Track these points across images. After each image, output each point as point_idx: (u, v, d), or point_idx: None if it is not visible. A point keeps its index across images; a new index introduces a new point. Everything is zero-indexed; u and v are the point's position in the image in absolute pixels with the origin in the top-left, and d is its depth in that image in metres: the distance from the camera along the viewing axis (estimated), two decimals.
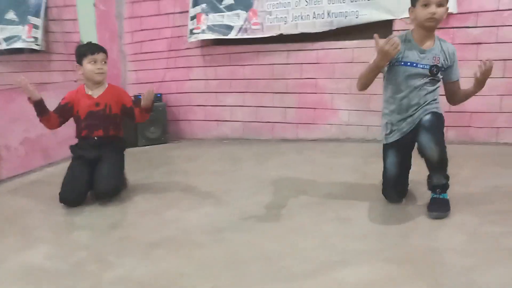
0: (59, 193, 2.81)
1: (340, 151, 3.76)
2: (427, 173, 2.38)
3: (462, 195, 2.56)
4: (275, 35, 4.03)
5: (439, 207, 2.33)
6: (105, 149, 2.93)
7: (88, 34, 4.31)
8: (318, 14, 3.87)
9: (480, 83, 2.33)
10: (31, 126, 3.78)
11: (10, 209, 2.92)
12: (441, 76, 2.41)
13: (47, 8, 4.60)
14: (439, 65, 2.36)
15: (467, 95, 2.47)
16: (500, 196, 2.56)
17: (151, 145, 4.44)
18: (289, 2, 3.93)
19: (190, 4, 4.25)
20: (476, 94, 2.46)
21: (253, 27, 4.07)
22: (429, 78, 2.38)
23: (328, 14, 3.85)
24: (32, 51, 4.66)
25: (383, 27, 3.81)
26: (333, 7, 3.83)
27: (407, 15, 3.58)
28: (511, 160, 3.25)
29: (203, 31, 4.19)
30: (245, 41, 4.20)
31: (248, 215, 2.53)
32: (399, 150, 2.49)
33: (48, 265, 2.13)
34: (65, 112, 2.93)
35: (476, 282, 1.70)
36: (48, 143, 3.93)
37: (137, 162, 3.83)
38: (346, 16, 3.81)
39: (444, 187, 2.38)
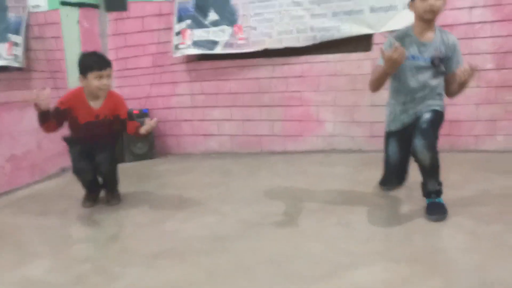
0: (73, 171, 2.97)
1: (329, 162, 3.84)
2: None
3: (455, 198, 2.67)
4: (260, 49, 4.11)
5: (437, 210, 2.42)
6: (100, 141, 2.99)
7: (72, 51, 4.29)
8: (301, 29, 3.99)
9: (463, 84, 2.39)
10: (16, 143, 3.74)
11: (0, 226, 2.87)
12: (443, 69, 2.46)
13: (28, 25, 4.57)
14: (441, 56, 2.43)
15: (460, 88, 2.47)
16: (492, 198, 2.68)
17: (138, 160, 4.42)
18: (273, 18, 4.03)
19: (175, 20, 4.30)
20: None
21: (239, 42, 4.14)
22: (432, 71, 2.45)
23: (311, 29, 3.96)
24: (13, 69, 4.62)
25: (364, 41, 3.98)
26: (316, 22, 3.95)
27: (386, 28, 3.79)
28: (494, 165, 3.38)
29: (188, 46, 4.24)
30: (230, 55, 4.26)
31: (249, 223, 2.56)
32: (400, 139, 2.61)
33: (50, 278, 2.11)
34: (64, 117, 2.91)
35: (487, 278, 1.79)
36: (35, 160, 3.88)
37: (127, 177, 3.80)
38: (328, 31, 3.94)
39: (438, 193, 2.48)
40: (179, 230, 2.56)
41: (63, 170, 4.15)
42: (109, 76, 2.87)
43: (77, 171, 2.99)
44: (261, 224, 2.55)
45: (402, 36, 2.48)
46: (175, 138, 4.64)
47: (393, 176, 2.69)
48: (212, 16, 4.16)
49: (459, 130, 3.86)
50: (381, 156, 3.72)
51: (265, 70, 4.25)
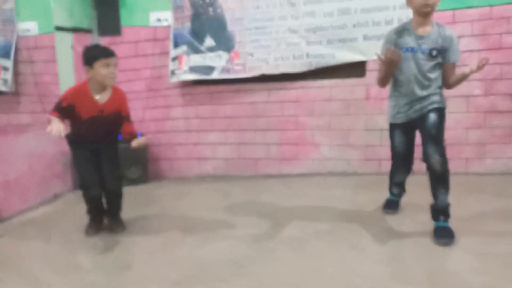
0: (81, 184, 3.01)
1: (326, 184, 3.91)
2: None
3: (456, 220, 2.76)
4: (257, 75, 4.19)
5: (445, 234, 2.51)
6: (102, 142, 2.98)
7: (66, 75, 4.28)
8: (297, 55, 4.10)
9: (466, 76, 2.60)
10: (10, 169, 3.66)
11: (2, 255, 2.79)
12: (440, 60, 2.58)
13: (17, 49, 4.52)
14: (438, 47, 2.55)
15: (458, 81, 2.67)
16: (491, 220, 2.80)
17: (132, 185, 4.37)
18: (270, 45, 4.13)
19: (171, 46, 4.34)
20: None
21: (236, 67, 4.21)
22: (430, 62, 2.57)
23: (307, 55, 4.08)
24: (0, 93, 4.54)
25: (358, 67, 4.11)
26: (312, 49, 4.07)
27: None
28: (485, 188, 3.53)
29: (185, 72, 4.29)
30: (226, 80, 4.32)
31: (262, 248, 2.59)
32: (404, 131, 2.76)
33: None
34: (67, 113, 2.82)
35: None
36: (28, 185, 3.79)
37: (124, 202, 3.75)
38: (323, 58, 4.06)
39: (446, 215, 2.57)
40: (194, 256, 2.56)
41: (56, 196, 4.08)
42: (115, 65, 2.84)
43: (85, 184, 2.97)
44: (275, 248, 2.58)
45: (401, 30, 2.63)
46: (169, 162, 4.63)
47: (400, 165, 2.87)
48: (209, 42, 4.23)
49: (450, 153, 3.89)
50: (376, 179, 3.88)
51: (261, 95, 4.33)
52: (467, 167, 3.99)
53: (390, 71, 2.60)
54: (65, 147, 4.15)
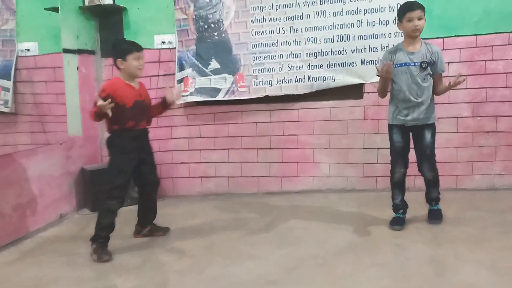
0: (113, 193, 3.10)
1: (330, 202, 4.11)
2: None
3: (461, 235, 3.05)
4: (261, 96, 4.37)
5: (436, 216, 3.33)
6: (144, 141, 3.30)
7: (72, 95, 4.33)
8: (300, 78, 4.31)
9: (448, 88, 3.18)
10: (22, 191, 3.68)
11: (27, 282, 2.79)
12: (431, 72, 3.15)
13: (16, 70, 4.52)
14: (428, 60, 3.13)
15: (443, 91, 3.26)
16: (493, 234, 3.06)
17: (136, 204, 4.41)
18: (273, 68, 4.33)
19: (176, 69, 4.47)
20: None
21: (240, 89, 4.39)
22: (421, 73, 3.14)
23: (309, 78, 4.30)
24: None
25: (356, 89, 4.37)
26: (313, 72, 4.29)
27: (375, 79, 4.18)
28: (477, 203, 3.80)
29: (191, 94, 4.42)
30: (229, 101, 4.48)
31: (289, 267, 2.75)
32: (401, 132, 3.28)
33: None
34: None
35: None
36: (37, 207, 3.81)
37: (133, 221, 3.84)
38: (324, 80, 4.29)
39: (437, 200, 3.38)
40: (224, 276, 2.69)
41: (62, 217, 4.11)
42: (143, 58, 3.19)
43: (116, 192, 3.12)
44: (300, 266, 2.75)
45: (394, 50, 3.27)
46: (171, 180, 4.73)
47: (399, 158, 3.32)
48: (214, 64, 4.38)
49: (442, 171, 4.20)
50: (374, 195, 4.13)
51: (263, 115, 4.51)
52: (458, 184, 4.29)
53: (387, 83, 3.21)
54: (70, 168, 4.26)
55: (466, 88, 4.20)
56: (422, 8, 3.13)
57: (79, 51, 4.42)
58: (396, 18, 3.26)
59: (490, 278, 2.44)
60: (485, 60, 4.19)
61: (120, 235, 3.52)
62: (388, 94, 3.33)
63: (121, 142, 3.13)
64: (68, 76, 4.27)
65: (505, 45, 4.12)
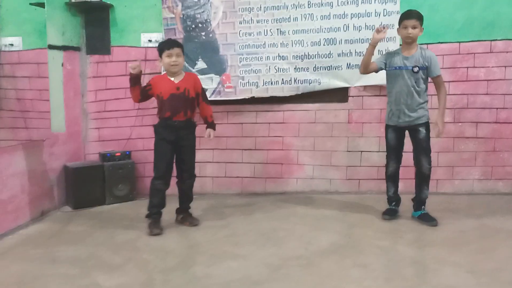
0: (155, 174, 3.54)
1: (314, 203, 4.15)
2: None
3: (441, 239, 3.12)
4: (247, 97, 4.39)
5: (430, 218, 3.45)
6: (183, 132, 3.49)
7: (56, 92, 4.28)
8: (286, 80, 4.34)
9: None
10: (4, 187, 3.63)
11: (10, 279, 2.75)
12: (423, 76, 3.39)
13: None
14: (419, 65, 3.35)
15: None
16: (471, 239, 3.15)
17: (119, 202, 4.42)
18: (260, 69, 4.35)
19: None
20: None
21: (227, 90, 4.40)
22: (413, 77, 3.37)
23: (295, 80, 4.34)
24: None
25: (341, 93, 4.42)
26: (299, 74, 4.33)
27: (360, 83, 4.24)
28: (457, 207, 3.90)
29: None
30: (214, 101, 4.47)
31: (273, 267, 2.77)
32: (395, 132, 3.54)
33: None
34: (144, 92, 3.54)
35: None
36: (19, 203, 3.76)
37: (119, 221, 3.83)
38: (310, 83, 4.33)
39: (424, 203, 3.52)
40: (210, 275, 2.69)
41: (43, 214, 4.06)
42: (178, 54, 3.41)
43: (157, 174, 3.52)
44: (285, 266, 2.77)
45: (392, 53, 3.55)
46: None
47: (392, 155, 3.58)
48: (200, 64, 4.39)
49: None
50: (358, 198, 4.18)
51: (249, 116, 4.53)
52: (438, 188, 4.37)
53: (372, 51, 3.45)
54: (53, 164, 4.22)
55: (448, 94, 4.26)
56: (418, 18, 3.36)
57: (64, 47, 4.37)
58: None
59: (469, 280, 2.51)
60: (467, 67, 4.29)
61: (104, 233, 3.52)
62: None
63: (159, 130, 3.51)
64: (53, 72, 4.22)
65: (487, 52, 4.22)
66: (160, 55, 3.46)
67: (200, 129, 3.75)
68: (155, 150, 3.57)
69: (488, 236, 3.19)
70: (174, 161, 3.59)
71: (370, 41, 3.49)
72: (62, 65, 4.36)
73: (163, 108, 3.46)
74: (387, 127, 3.59)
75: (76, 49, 4.56)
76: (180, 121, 3.46)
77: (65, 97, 4.41)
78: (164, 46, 3.44)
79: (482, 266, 2.68)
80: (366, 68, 3.53)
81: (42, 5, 4.10)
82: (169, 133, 3.46)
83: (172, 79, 3.48)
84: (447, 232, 3.28)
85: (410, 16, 3.34)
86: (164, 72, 3.60)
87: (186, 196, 3.71)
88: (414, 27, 3.33)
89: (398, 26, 3.44)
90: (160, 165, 3.51)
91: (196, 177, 3.72)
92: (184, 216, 3.70)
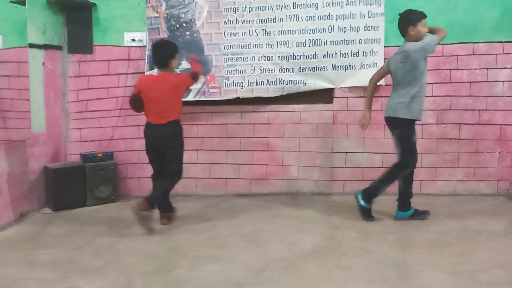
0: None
1: (298, 204, 4.14)
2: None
3: (425, 241, 3.12)
4: (232, 98, 4.36)
5: (420, 213, 3.57)
6: (166, 138, 3.51)
7: (36, 91, 4.20)
8: (271, 81, 4.32)
9: None
10: None
11: None
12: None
13: None
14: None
15: None
16: (452, 240, 3.16)
17: (101, 204, 4.35)
18: (245, 70, 4.33)
19: (146, 67, 4.41)
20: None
21: (211, 90, 4.36)
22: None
23: (280, 81, 4.32)
24: None
25: (326, 94, 4.42)
26: (284, 75, 4.32)
27: (345, 84, 4.22)
28: (439, 208, 3.91)
29: None
30: (199, 102, 4.44)
31: (256, 269, 2.75)
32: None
33: None
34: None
35: None
36: None
37: (100, 223, 3.77)
38: (295, 84, 4.32)
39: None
40: (191, 278, 2.65)
41: (22, 216, 3.98)
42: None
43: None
44: (268, 269, 2.75)
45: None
46: (137, 180, 4.65)
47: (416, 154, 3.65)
48: (185, 64, 4.33)
49: None
50: (342, 199, 4.19)
51: (234, 117, 4.50)
52: (421, 189, 4.39)
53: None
54: (33, 165, 4.12)
55: (432, 96, 4.32)
56: None
57: (45, 46, 4.29)
58: (407, 22, 3.42)
59: (450, 282, 2.51)
60: (450, 69, 4.32)
61: (85, 236, 3.46)
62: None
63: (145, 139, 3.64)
64: (33, 71, 4.13)
65: (469, 55, 4.26)
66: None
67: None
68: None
69: (470, 237, 3.20)
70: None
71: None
72: (43, 64, 4.28)
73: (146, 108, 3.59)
74: (412, 122, 3.51)
75: (58, 48, 4.49)
76: (160, 124, 3.53)
77: (46, 97, 4.33)
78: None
79: (463, 268, 2.69)
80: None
81: (22, 3, 4.02)
82: (150, 139, 3.60)
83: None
84: (430, 234, 3.29)
85: (425, 15, 3.43)
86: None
87: (159, 186, 3.66)
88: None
89: (412, 25, 3.39)
90: (153, 166, 3.70)
91: (177, 180, 3.70)
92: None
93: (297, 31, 4.26)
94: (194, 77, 3.63)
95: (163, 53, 3.51)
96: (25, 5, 4.01)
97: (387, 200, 3.72)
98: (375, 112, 3.80)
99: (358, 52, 4.23)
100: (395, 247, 3.06)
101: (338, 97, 4.39)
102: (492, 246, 3.02)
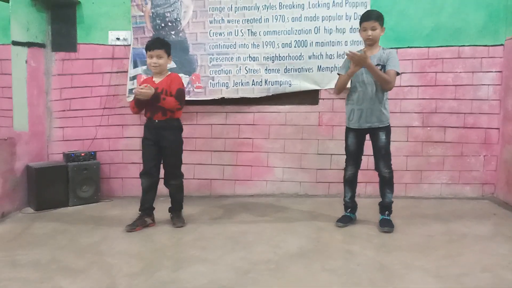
0: (141, 171, 3.61)
1: (283, 206, 4.13)
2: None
3: (409, 244, 3.13)
4: (217, 98, 4.33)
5: (388, 225, 3.40)
6: (164, 132, 3.48)
7: (19, 89, 4.13)
8: (256, 81, 4.31)
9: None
10: None
11: None
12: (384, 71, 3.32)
13: None
14: (382, 63, 3.31)
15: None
16: (438, 244, 3.17)
17: (83, 204, 4.29)
18: (230, 70, 4.30)
19: (130, 66, 4.35)
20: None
21: (196, 90, 4.33)
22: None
23: (266, 82, 4.31)
24: None
25: (311, 95, 4.42)
26: (270, 76, 4.31)
27: (330, 86, 4.24)
28: (424, 211, 3.94)
29: None
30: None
31: (241, 271, 2.72)
32: (356, 136, 3.47)
33: None
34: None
35: None
36: None
37: (83, 223, 3.71)
38: (281, 85, 4.31)
39: (390, 210, 3.48)
40: (175, 280, 2.61)
41: (4, 215, 3.90)
42: (159, 56, 3.41)
43: (143, 170, 3.58)
44: (253, 271, 2.72)
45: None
46: (120, 180, 4.60)
47: (352, 161, 3.55)
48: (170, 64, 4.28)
49: None
50: (327, 201, 4.18)
51: (219, 117, 4.47)
52: (406, 191, 4.42)
53: (354, 72, 3.29)
54: (15, 164, 4.05)
55: (417, 99, 4.35)
56: (377, 18, 3.29)
57: (28, 44, 4.22)
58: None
59: (435, 285, 2.51)
60: (436, 72, 4.35)
61: (67, 236, 3.40)
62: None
63: (144, 129, 3.57)
64: (16, 69, 4.06)
65: (455, 58, 4.29)
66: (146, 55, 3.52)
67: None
68: (142, 148, 3.65)
69: (455, 240, 3.22)
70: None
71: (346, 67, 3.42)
72: (26, 62, 4.21)
73: (145, 108, 3.50)
74: (348, 130, 3.51)
75: (41, 45, 4.41)
76: (160, 121, 3.46)
77: (29, 95, 4.26)
78: (146, 47, 3.48)
79: (448, 271, 2.69)
80: (341, 90, 3.50)
81: (6, 0, 3.94)
82: (150, 132, 3.51)
83: (155, 79, 3.51)
84: (415, 237, 3.30)
85: (368, 17, 3.29)
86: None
87: (172, 197, 3.73)
88: (373, 29, 3.28)
89: (359, 28, 3.39)
90: (144, 163, 3.58)
91: (183, 178, 3.72)
92: (172, 216, 3.71)
93: (283, 31, 4.26)
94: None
95: (166, 43, 3.52)
96: (8, 2, 3.94)
97: (371, 203, 3.73)
98: None
99: (344, 54, 4.22)
100: (381, 250, 3.06)
101: (323, 99, 4.39)
102: (477, 250, 3.04)
